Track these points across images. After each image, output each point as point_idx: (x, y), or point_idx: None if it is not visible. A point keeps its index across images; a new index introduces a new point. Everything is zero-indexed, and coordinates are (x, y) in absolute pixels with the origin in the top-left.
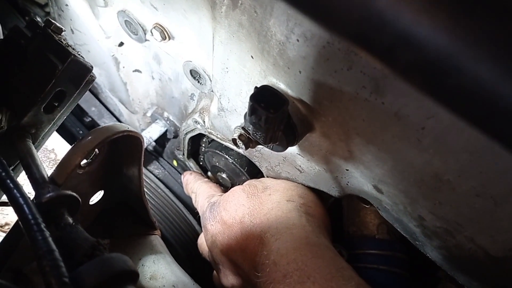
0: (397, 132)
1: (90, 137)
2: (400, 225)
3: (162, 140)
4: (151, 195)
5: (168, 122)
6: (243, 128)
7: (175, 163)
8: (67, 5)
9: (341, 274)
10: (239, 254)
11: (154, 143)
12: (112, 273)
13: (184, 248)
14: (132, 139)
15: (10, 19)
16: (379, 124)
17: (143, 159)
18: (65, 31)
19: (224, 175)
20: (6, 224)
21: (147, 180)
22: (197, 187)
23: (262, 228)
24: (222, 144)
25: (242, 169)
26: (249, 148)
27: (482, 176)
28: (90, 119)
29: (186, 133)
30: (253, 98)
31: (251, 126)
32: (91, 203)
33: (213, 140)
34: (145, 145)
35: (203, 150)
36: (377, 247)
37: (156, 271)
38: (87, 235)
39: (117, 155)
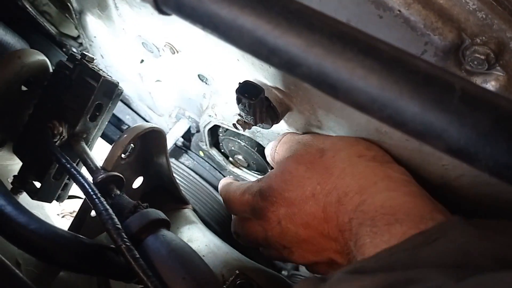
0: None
1: (125, 135)
2: None
3: (187, 135)
4: (184, 181)
5: (190, 119)
6: (239, 114)
7: (201, 153)
8: (95, 36)
9: (431, 217)
10: (323, 227)
11: (181, 139)
12: (149, 220)
13: (218, 224)
14: (156, 133)
15: (51, 52)
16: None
17: (168, 148)
18: (96, 59)
19: (240, 157)
20: (74, 211)
21: (179, 170)
22: (226, 189)
23: (341, 191)
24: (234, 131)
25: (252, 149)
26: (247, 129)
27: None
28: (127, 126)
29: (204, 126)
30: (237, 91)
31: (242, 112)
32: (134, 187)
33: (227, 129)
34: (173, 140)
35: (221, 138)
36: None
37: (191, 235)
38: (130, 200)
39: (147, 147)
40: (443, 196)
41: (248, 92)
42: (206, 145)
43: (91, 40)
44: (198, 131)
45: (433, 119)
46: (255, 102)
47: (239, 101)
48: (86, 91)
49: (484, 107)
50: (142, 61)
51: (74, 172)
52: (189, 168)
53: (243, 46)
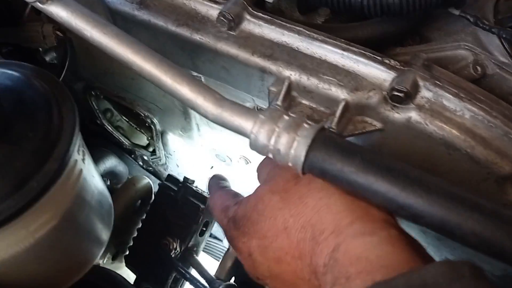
0: None
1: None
2: None
3: None
4: None
5: None
6: None
7: None
8: (174, 151)
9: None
10: (296, 263)
11: None
12: None
13: None
14: None
15: (124, 160)
16: None
17: None
18: (194, 181)
19: None
20: None
21: None
22: (210, 197)
23: (315, 229)
24: None
25: None
26: None
27: None
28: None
29: None
30: None
31: None
32: None
33: None
34: None
35: None
36: None
37: None
38: None
39: None
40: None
41: None
42: None
43: (170, 154)
44: None
45: None
46: None
47: None
48: (192, 210)
49: None
50: (212, 167)
51: (199, 284)
52: None
53: (376, 202)
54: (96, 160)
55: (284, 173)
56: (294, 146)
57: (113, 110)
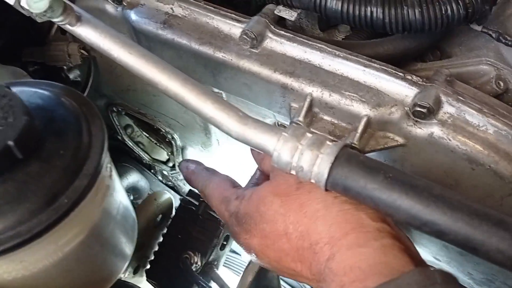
0: None
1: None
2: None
3: None
4: None
5: None
6: None
7: None
8: None
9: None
10: (295, 264)
11: None
12: None
13: None
14: None
15: (144, 175)
16: None
17: None
18: None
19: None
20: None
21: None
22: (205, 185)
23: (312, 239)
24: None
25: None
26: None
27: None
28: None
29: None
30: None
31: None
32: None
33: None
34: None
35: None
36: None
37: None
38: None
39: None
40: None
41: None
42: None
43: None
44: None
45: None
46: None
47: None
48: (213, 224)
49: None
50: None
51: None
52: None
53: (400, 219)
54: (120, 175)
55: (289, 177)
56: (317, 163)
57: (134, 126)
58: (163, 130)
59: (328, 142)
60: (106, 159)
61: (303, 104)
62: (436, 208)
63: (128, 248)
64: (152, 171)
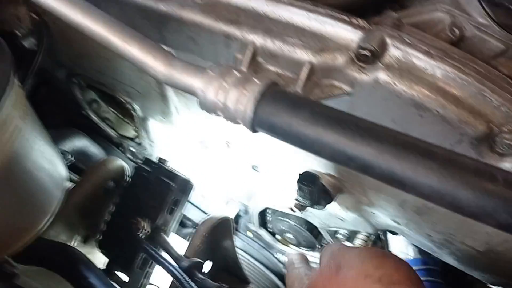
0: None
1: (203, 227)
2: (420, 244)
3: (236, 218)
4: None
5: (239, 203)
6: (296, 199)
7: (249, 234)
8: (156, 138)
9: None
10: None
11: None
12: None
13: None
14: (225, 222)
15: (112, 153)
16: None
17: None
18: (167, 160)
19: (290, 235)
20: None
21: None
22: (287, 272)
23: None
24: (283, 212)
25: (302, 227)
26: (303, 211)
27: None
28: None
29: (255, 209)
30: (299, 181)
31: (300, 197)
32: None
33: (276, 210)
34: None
35: (269, 219)
36: (414, 265)
37: None
38: (212, 282)
39: (217, 233)
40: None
41: (306, 181)
42: (255, 225)
43: (152, 141)
44: (246, 213)
45: (485, 203)
46: (313, 189)
47: (300, 188)
48: (163, 189)
49: None
50: (197, 154)
51: (164, 261)
52: (240, 248)
53: (326, 156)
54: (62, 137)
55: (330, 261)
56: (243, 101)
57: (99, 101)
58: (123, 100)
59: (255, 80)
60: (14, 96)
61: (246, 53)
62: (361, 141)
63: (49, 203)
64: (121, 148)
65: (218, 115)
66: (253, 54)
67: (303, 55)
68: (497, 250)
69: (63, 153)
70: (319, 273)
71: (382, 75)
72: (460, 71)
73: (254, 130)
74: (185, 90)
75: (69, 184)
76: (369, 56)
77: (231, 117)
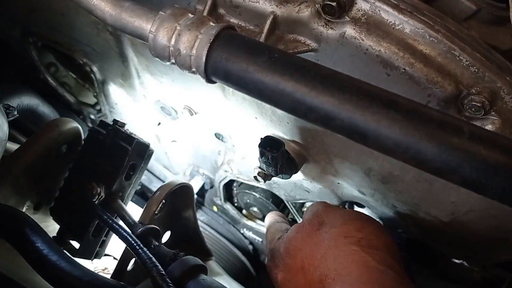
0: (358, 150)
1: (159, 192)
2: (384, 215)
3: (201, 191)
4: None
5: (204, 176)
6: (259, 167)
7: (214, 208)
8: (116, 103)
9: None
10: None
11: (196, 196)
12: (190, 266)
13: (234, 276)
14: (186, 189)
15: (56, 110)
16: (345, 147)
17: (195, 202)
18: (126, 123)
19: (255, 209)
20: (106, 268)
21: None
22: (266, 229)
23: (322, 272)
24: (249, 184)
25: (267, 201)
26: (267, 181)
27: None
28: (141, 186)
29: (220, 182)
30: (260, 145)
31: (264, 165)
32: (162, 241)
33: (241, 183)
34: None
35: (235, 192)
36: None
37: None
38: (168, 250)
39: (176, 202)
40: (454, 231)
41: (269, 146)
42: (220, 200)
43: (112, 107)
44: (212, 187)
45: (449, 157)
46: (277, 155)
47: (262, 154)
48: (120, 153)
49: (489, 144)
50: (159, 123)
51: (117, 227)
52: (204, 223)
53: (284, 107)
54: (9, 91)
55: (313, 218)
56: (195, 45)
57: (58, 63)
58: (81, 62)
59: (210, 23)
60: None
61: (207, 3)
62: (322, 89)
63: None
64: (81, 117)
65: (172, 62)
66: (213, 5)
67: (266, 5)
68: (462, 220)
69: (6, 107)
70: (300, 226)
71: (349, 30)
72: (430, 28)
73: (209, 79)
74: (134, 34)
75: (5, 138)
76: (336, 9)
77: (185, 64)
